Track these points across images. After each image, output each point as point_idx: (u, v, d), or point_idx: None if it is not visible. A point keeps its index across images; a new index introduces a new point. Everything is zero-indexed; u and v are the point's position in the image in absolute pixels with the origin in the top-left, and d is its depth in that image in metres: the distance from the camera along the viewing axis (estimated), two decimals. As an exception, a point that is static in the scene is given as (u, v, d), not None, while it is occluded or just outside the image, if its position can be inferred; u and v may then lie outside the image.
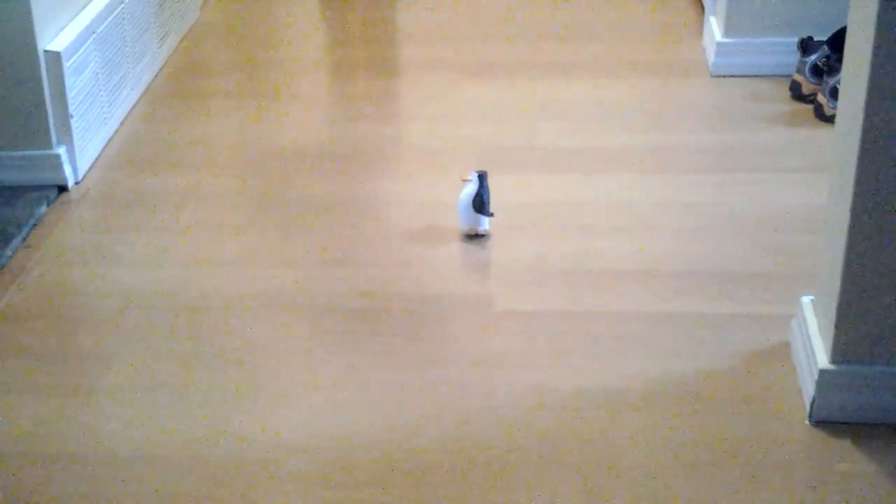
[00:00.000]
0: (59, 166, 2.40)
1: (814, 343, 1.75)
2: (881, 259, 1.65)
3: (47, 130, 2.38)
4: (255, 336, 1.95)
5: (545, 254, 2.17)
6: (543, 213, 2.31)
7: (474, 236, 2.19)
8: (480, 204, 2.15)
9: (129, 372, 1.86)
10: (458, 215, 2.19)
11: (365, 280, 2.11)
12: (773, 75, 2.85)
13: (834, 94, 2.57)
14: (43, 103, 2.37)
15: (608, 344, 1.91)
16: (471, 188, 2.16)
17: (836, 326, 1.69)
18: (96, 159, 2.55)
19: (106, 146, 2.60)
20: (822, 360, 1.71)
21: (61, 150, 2.41)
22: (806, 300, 1.85)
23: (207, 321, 2.00)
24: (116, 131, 2.67)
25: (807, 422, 1.71)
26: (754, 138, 2.60)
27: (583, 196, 2.38)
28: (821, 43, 2.71)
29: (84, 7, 2.57)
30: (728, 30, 2.87)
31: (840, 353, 1.70)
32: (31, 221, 2.29)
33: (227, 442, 1.69)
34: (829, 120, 2.59)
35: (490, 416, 1.73)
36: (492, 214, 2.17)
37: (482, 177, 2.17)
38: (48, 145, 2.39)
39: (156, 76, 2.95)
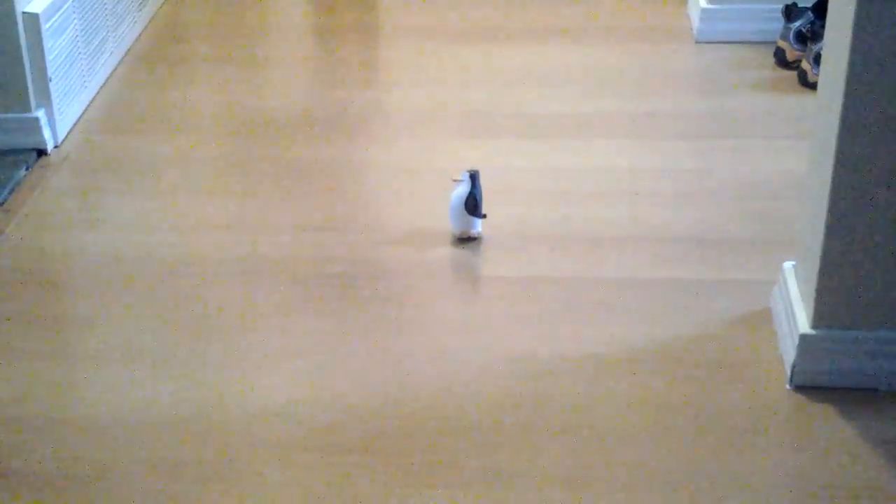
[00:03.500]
0: (38, 130, 2.38)
1: (795, 308, 1.76)
2: (861, 224, 1.65)
3: (25, 93, 2.36)
4: (235, 301, 1.94)
5: (527, 219, 2.16)
6: (525, 178, 2.31)
7: (466, 240, 2.08)
8: (473, 205, 2.04)
9: (109, 337, 1.85)
10: (449, 218, 2.08)
11: (347, 246, 2.10)
12: (758, 42, 2.84)
13: (818, 60, 2.56)
14: (21, 66, 2.34)
15: (589, 310, 1.91)
16: (462, 189, 2.05)
17: (817, 291, 1.70)
18: (76, 123, 2.52)
19: (86, 110, 2.58)
20: (804, 324, 1.72)
21: (40, 114, 2.38)
22: (788, 265, 1.85)
23: (188, 286, 1.99)
24: (96, 95, 2.65)
25: (787, 386, 1.72)
26: (738, 104, 2.59)
27: (565, 162, 2.37)
28: (805, 9, 2.71)
29: (63, -31, 2.54)
30: (712, -5, 2.86)
31: (821, 317, 1.70)
32: (10, 185, 2.27)
33: (207, 407, 1.68)
34: (813, 86, 2.58)
35: (471, 382, 1.73)
36: (484, 216, 2.07)
37: (474, 177, 2.05)
38: (27, 108, 2.37)
39: (136, 40, 2.93)
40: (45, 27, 2.36)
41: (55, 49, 2.41)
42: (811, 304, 1.71)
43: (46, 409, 1.69)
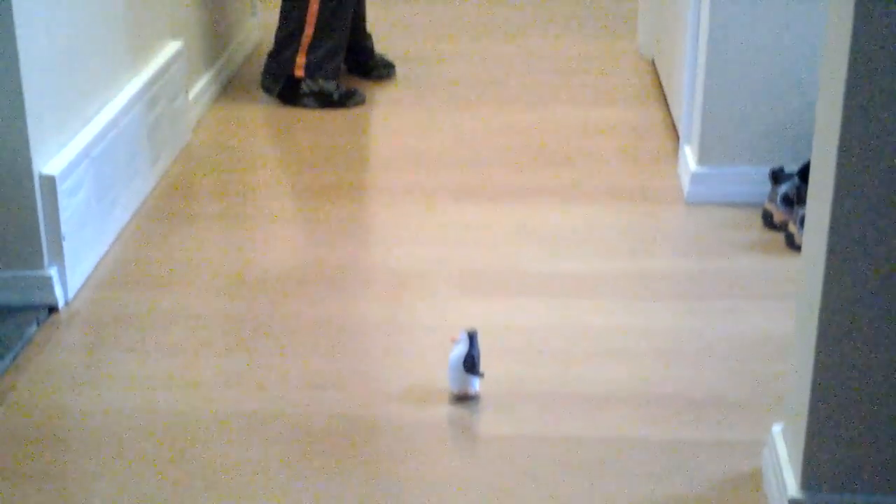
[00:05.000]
0: (50, 287, 2.46)
1: (784, 471, 1.80)
2: (848, 387, 1.70)
3: (39, 252, 2.44)
4: (236, 459, 1.99)
5: (524, 378, 2.22)
6: (519, 336, 2.37)
7: (465, 398, 2.13)
8: (471, 364, 2.10)
9: (113, 494, 1.89)
10: (448, 377, 2.13)
11: (347, 403, 2.15)
12: (746, 204, 2.93)
13: (804, 223, 2.65)
14: (36, 225, 2.43)
15: (582, 469, 1.95)
16: (461, 348, 2.11)
17: (805, 455, 1.74)
18: (86, 280, 2.60)
19: (96, 267, 2.66)
20: (792, 488, 1.76)
21: (52, 271, 2.46)
22: (776, 428, 1.90)
23: (191, 443, 2.04)
24: (107, 252, 2.73)
25: (778, 549, 1.75)
26: (727, 265, 2.67)
27: (559, 320, 2.44)
28: (791, 174, 2.81)
29: (80, 131, 2.65)
30: (702, 159, 2.97)
31: (809, 481, 1.74)
32: (21, 342, 2.34)
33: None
34: (800, 248, 2.66)
35: (468, 541, 1.76)
36: (482, 375, 2.13)
37: (472, 336, 2.11)
38: (40, 266, 2.45)
39: (146, 198, 3.02)
40: (61, 188, 2.46)
41: (69, 208, 2.50)
42: (799, 467, 1.76)
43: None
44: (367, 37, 3.99)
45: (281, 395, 2.18)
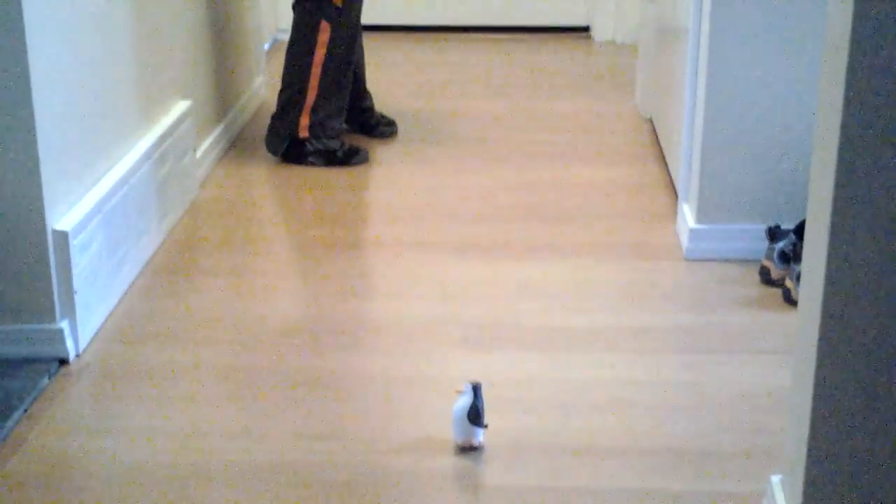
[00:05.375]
0: (62, 340, 2.50)
1: (783, 521, 1.84)
2: (845, 438, 1.75)
3: (52, 305, 2.49)
4: (247, 508, 2.02)
5: (523, 429, 2.26)
6: (521, 389, 2.42)
7: (469, 449, 2.18)
8: (476, 415, 2.15)
9: (124, 542, 1.93)
10: (452, 428, 2.18)
11: (351, 454, 2.19)
12: (744, 260, 2.99)
13: (800, 279, 2.70)
14: (49, 280, 2.48)
15: (587, 519, 1.99)
16: (465, 400, 2.16)
17: (803, 505, 1.78)
18: (96, 333, 2.65)
19: (106, 320, 2.71)
20: (791, 537, 1.79)
21: (64, 325, 2.51)
22: (775, 479, 1.94)
23: (199, 493, 2.07)
24: (116, 306, 2.78)
25: None
26: (726, 320, 2.72)
27: (560, 373, 2.49)
28: (787, 231, 2.87)
29: (92, 187, 2.71)
30: (700, 216, 3.03)
31: (807, 531, 1.78)
32: (33, 393, 2.38)
33: None
34: (797, 304, 2.71)
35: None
36: (486, 426, 2.17)
37: (476, 388, 2.16)
38: (52, 320, 2.50)
39: (155, 253, 3.08)
40: (74, 243, 2.51)
41: (81, 263, 2.56)
42: (797, 517, 1.79)
43: None
44: (367, 96, 4.07)
45: (287, 445, 2.22)
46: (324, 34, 3.68)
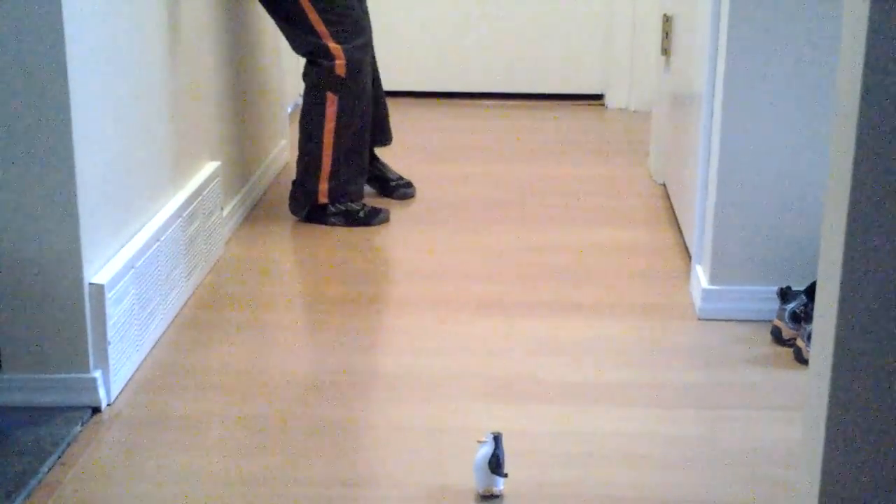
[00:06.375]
0: (95, 389, 2.59)
1: (794, 568, 1.89)
2: (854, 491, 1.81)
3: (86, 356, 2.58)
4: (275, 552, 2.09)
5: (542, 479, 2.33)
6: (540, 441, 2.49)
7: (489, 497, 2.24)
8: (496, 465, 2.21)
9: (157, 583, 1.99)
10: (474, 476, 2.25)
11: (375, 501, 2.26)
12: (756, 320, 3.06)
13: (811, 339, 2.78)
14: (84, 331, 2.57)
15: (604, 566, 2.05)
16: (486, 449, 2.23)
17: (815, 552, 1.84)
18: (127, 383, 2.73)
19: (137, 370, 2.79)
20: (802, 584, 1.85)
21: (97, 374, 2.60)
22: (787, 528, 2.00)
23: (230, 537, 2.14)
24: (146, 357, 2.87)
25: None
26: (738, 378, 2.80)
27: (577, 427, 2.56)
28: (799, 292, 2.95)
29: (125, 243, 2.81)
30: (713, 277, 3.11)
31: (818, 577, 1.84)
32: (67, 440, 2.46)
33: None
34: (808, 363, 2.79)
35: None
36: (506, 475, 2.24)
37: (497, 438, 2.23)
38: (86, 369, 2.58)
39: (183, 307, 3.17)
40: (108, 296, 2.61)
41: (114, 316, 2.65)
42: (809, 565, 1.85)
43: None
44: (382, 164, 4.17)
45: (312, 492, 2.29)
46: (331, 106, 3.75)
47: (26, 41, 2.41)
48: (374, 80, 3.99)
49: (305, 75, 3.84)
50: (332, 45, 3.71)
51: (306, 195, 3.85)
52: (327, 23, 3.70)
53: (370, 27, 3.92)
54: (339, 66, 3.72)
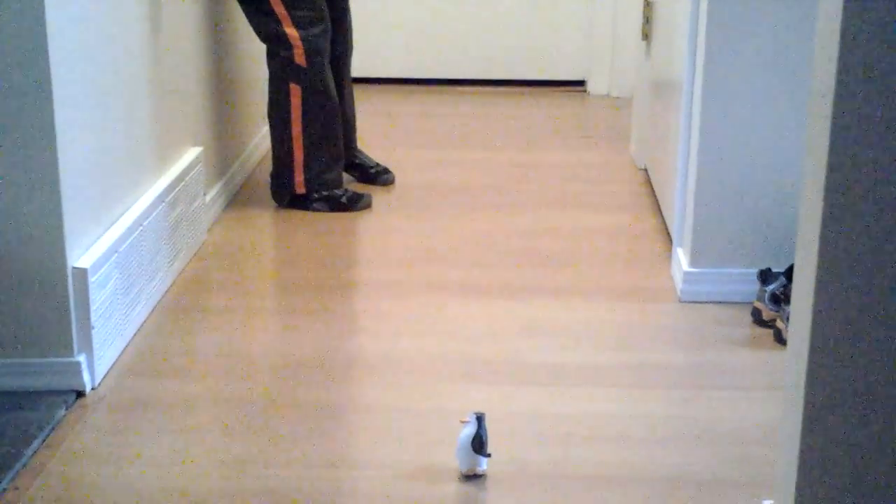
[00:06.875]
0: (79, 373, 2.59)
1: (773, 543, 1.92)
2: (832, 465, 1.83)
3: (70, 340, 2.59)
4: (260, 532, 2.11)
5: (524, 458, 2.35)
6: (522, 421, 2.51)
7: (472, 476, 2.26)
8: (480, 445, 2.23)
9: (143, 563, 2.00)
10: (457, 456, 2.27)
11: (359, 481, 2.29)
12: (736, 302, 3.09)
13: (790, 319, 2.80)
14: (68, 315, 2.58)
15: (587, 543, 2.07)
16: (469, 429, 2.25)
17: (793, 528, 1.87)
18: (111, 367, 2.74)
19: (121, 355, 2.80)
20: (781, 558, 1.88)
21: (81, 358, 2.60)
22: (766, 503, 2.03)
23: (216, 517, 2.16)
24: (130, 342, 2.88)
25: None
26: (719, 359, 2.82)
27: (561, 408, 2.58)
28: (779, 274, 2.97)
29: (108, 228, 2.82)
30: (694, 260, 3.14)
31: (797, 552, 1.87)
32: (51, 424, 2.47)
33: None
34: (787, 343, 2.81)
35: None
36: (489, 455, 2.26)
37: (480, 418, 2.25)
38: (70, 353, 2.59)
39: (166, 292, 3.18)
40: (92, 280, 2.61)
41: (98, 300, 2.65)
42: (788, 539, 1.88)
43: None
44: (360, 151, 4.17)
45: (297, 473, 2.31)
46: (295, 97, 3.73)
47: (7, 26, 2.41)
48: (344, 87, 3.99)
49: (268, 66, 3.81)
50: (290, 32, 3.67)
51: (284, 186, 3.85)
52: (287, 5, 3.67)
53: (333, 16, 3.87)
54: (298, 54, 3.70)
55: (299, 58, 3.69)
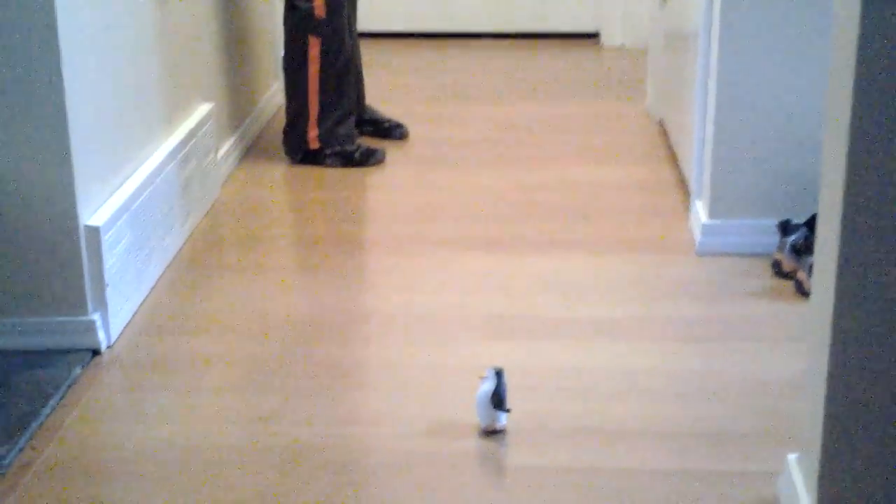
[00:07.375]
0: (94, 331, 2.58)
1: (800, 498, 1.90)
2: (859, 418, 1.81)
3: (84, 299, 2.57)
4: (272, 492, 2.09)
5: (544, 413, 2.33)
6: (541, 376, 2.49)
7: (492, 432, 2.25)
8: (498, 401, 2.21)
9: (162, 521, 1.99)
10: (476, 412, 2.25)
11: (378, 438, 2.27)
12: (756, 254, 3.05)
13: (812, 271, 2.77)
14: (81, 274, 2.55)
15: (604, 498, 2.05)
16: (488, 385, 2.22)
17: (819, 481, 1.84)
18: (126, 325, 2.72)
19: (135, 313, 2.78)
20: (807, 511, 1.86)
21: (96, 317, 2.58)
22: (791, 457, 2.00)
23: (227, 477, 2.14)
24: (144, 300, 2.85)
25: (794, 569, 1.84)
26: (739, 311, 2.79)
27: (578, 362, 2.55)
28: (799, 225, 2.93)
29: (120, 186, 2.79)
30: (712, 212, 3.10)
31: (823, 505, 1.85)
32: (67, 382, 2.45)
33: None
34: (809, 295, 2.78)
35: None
36: (509, 410, 2.24)
37: (499, 374, 2.22)
38: (84, 312, 2.57)
39: (180, 249, 3.15)
40: (104, 238, 2.59)
41: (111, 258, 2.63)
42: (815, 493, 1.86)
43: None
44: (370, 107, 4.13)
45: (312, 430, 2.29)
46: (314, 49, 3.71)
47: (15, -21, 2.37)
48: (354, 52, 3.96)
49: (285, 21, 3.79)
50: None
51: (297, 140, 3.82)
52: None
53: None
54: (319, 6, 3.68)
55: (319, 10, 3.67)
